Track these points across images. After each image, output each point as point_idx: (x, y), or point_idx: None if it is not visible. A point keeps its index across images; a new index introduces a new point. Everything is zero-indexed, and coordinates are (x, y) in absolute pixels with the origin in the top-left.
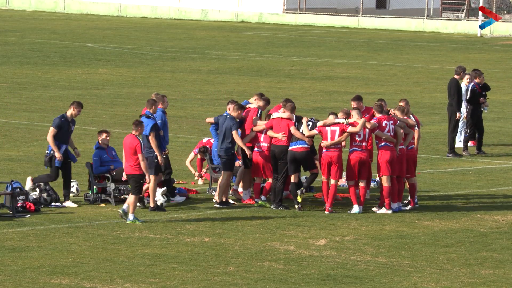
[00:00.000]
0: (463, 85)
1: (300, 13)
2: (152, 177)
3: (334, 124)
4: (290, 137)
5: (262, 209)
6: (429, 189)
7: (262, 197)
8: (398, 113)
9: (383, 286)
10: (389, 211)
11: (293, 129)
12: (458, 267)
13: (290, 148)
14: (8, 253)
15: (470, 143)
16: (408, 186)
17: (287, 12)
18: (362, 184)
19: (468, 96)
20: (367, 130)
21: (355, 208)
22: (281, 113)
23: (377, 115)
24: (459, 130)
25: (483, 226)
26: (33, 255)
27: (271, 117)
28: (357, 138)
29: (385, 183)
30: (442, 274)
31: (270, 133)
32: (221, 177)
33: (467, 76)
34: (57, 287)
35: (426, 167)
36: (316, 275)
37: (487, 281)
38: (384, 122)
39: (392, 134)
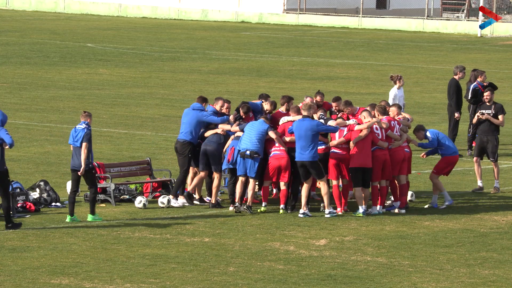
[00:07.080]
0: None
1: (300, 13)
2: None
3: (344, 125)
4: None
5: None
6: (429, 189)
7: (282, 206)
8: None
9: (383, 286)
10: (403, 210)
11: None
12: (458, 267)
13: None
14: (8, 253)
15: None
16: (390, 185)
17: (287, 12)
18: (384, 184)
19: (470, 96)
20: (383, 130)
21: (377, 209)
22: (293, 117)
23: (382, 116)
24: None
25: (483, 226)
26: (33, 255)
27: (281, 121)
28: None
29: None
30: (442, 274)
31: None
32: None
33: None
34: (57, 287)
35: (426, 167)
36: (316, 275)
37: (487, 281)
38: (392, 123)
39: (398, 134)
